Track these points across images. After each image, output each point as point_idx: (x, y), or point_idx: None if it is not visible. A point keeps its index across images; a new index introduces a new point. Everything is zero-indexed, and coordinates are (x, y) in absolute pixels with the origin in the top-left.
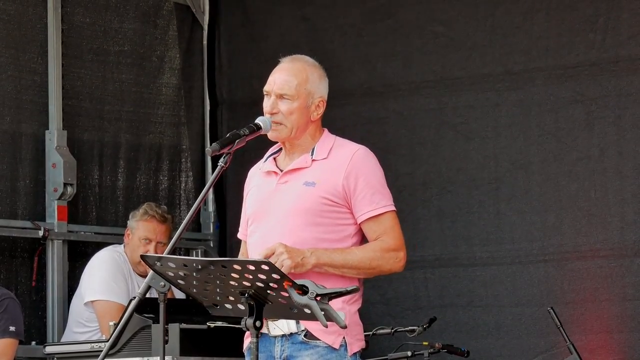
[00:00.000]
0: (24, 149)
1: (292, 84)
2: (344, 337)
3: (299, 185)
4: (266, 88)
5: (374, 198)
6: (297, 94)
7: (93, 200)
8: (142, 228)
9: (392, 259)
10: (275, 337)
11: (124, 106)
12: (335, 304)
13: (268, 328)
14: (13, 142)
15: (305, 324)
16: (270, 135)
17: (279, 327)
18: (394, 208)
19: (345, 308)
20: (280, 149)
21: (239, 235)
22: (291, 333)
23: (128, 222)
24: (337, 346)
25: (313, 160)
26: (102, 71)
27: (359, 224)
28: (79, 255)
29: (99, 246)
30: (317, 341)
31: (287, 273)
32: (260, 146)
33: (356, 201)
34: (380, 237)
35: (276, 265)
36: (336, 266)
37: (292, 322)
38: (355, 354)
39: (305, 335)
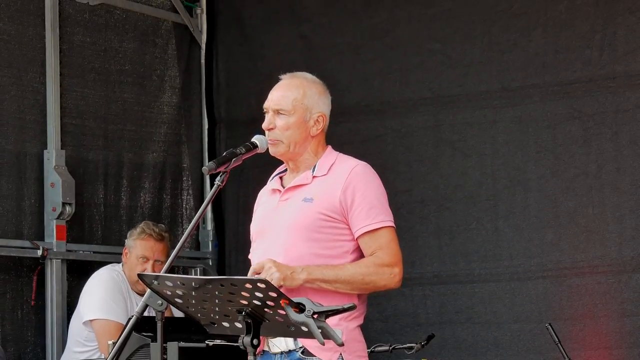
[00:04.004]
0: (28, 168)
1: (289, 99)
2: (340, 354)
3: (298, 201)
4: (264, 105)
5: (370, 213)
6: (294, 109)
7: (98, 219)
8: (139, 247)
9: (387, 274)
10: (275, 354)
11: (127, 125)
12: (332, 321)
13: (268, 345)
14: (17, 162)
15: (302, 341)
16: (271, 151)
17: (277, 344)
18: (391, 224)
19: (342, 325)
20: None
21: (250, 256)
22: (289, 350)
23: (126, 241)
24: None
25: (314, 176)
26: (104, 90)
27: (356, 239)
28: (82, 273)
29: (102, 265)
30: (314, 357)
31: (276, 286)
32: (258, 165)
33: (353, 216)
34: (375, 252)
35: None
36: (328, 281)
37: (290, 340)
38: None
39: (302, 352)
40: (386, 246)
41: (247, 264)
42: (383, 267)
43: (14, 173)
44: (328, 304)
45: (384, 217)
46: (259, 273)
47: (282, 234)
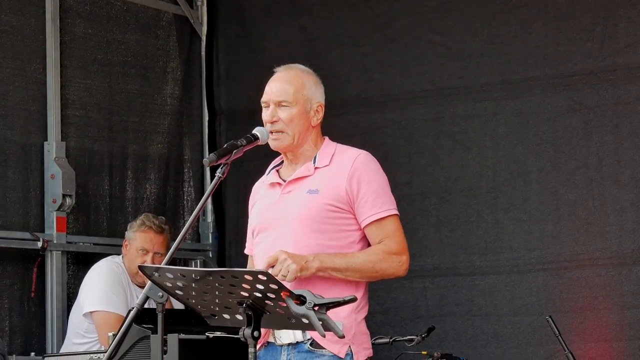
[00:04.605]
0: (34, 159)
1: (290, 91)
2: (349, 346)
3: (303, 193)
4: (264, 99)
5: (376, 202)
6: (295, 100)
7: (104, 210)
8: (139, 239)
9: (395, 262)
10: (281, 345)
11: (131, 117)
12: (343, 312)
13: (274, 337)
14: (23, 153)
15: (311, 333)
16: (273, 145)
17: (284, 336)
18: (396, 212)
19: (352, 317)
20: (283, 161)
21: (246, 251)
22: (297, 342)
23: (126, 233)
24: (342, 355)
25: (315, 168)
26: (108, 82)
27: (363, 229)
28: (85, 265)
29: (104, 256)
30: (323, 350)
31: (293, 278)
32: (258, 157)
33: (359, 205)
34: (382, 240)
35: (281, 271)
36: (339, 269)
37: (298, 331)
38: None
39: (311, 344)
40: (393, 234)
41: (246, 257)
42: (392, 255)
43: (20, 164)
44: (337, 294)
45: (390, 206)
46: (273, 266)
47: (289, 226)
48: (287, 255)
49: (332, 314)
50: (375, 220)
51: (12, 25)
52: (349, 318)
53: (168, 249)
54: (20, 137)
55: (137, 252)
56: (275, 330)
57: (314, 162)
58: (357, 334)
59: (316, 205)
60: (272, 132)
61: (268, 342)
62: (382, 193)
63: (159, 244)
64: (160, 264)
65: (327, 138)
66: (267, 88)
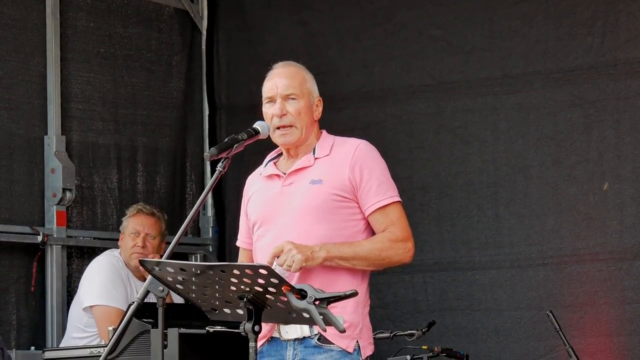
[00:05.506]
0: (38, 153)
1: (295, 84)
2: (357, 341)
3: (306, 184)
4: (268, 94)
5: (379, 189)
6: (302, 93)
7: (113, 203)
8: (131, 223)
9: (401, 249)
10: (287, 340)
11: (138, 110)
12: (351, 307)
13: (279, 332)
14: (28, 147)
15: (318, 328)
16: (282, 141)
17: (291, 331)
18: (399, 199)
19: (359, 311)
20: (279, 154)
21: (238, 243)
22: (304, 337)
23: (120, 226)
24: (351, 350)
25: (316, 158)
26: (112, 75)
27: (367, 217)
28: (92, 258)
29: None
30: (331, 345)
31: (298, 268)
32: (258, 151)
33: (362, 193)
34: (387, 228)
35: (287, 261)
36: (346, 258)
37: (305, 326)
38: (367, 357)
39: (319, 339)
40: (397, 221)
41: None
42: (397, 242)
43: (25, 158)
44: (342, 286)
45: (393, 193)
46: (279, 256)
47: (294, 217)
48: (293, 245)
49: (340, 310)
50: (379, 208)
51: (14, 18)
52: (356, 313)
53: (162, 234)
54: (25, 131)
55: (129, 236)
56: (282, 325)
57: (314, 153)
58: (364, 329)
59: (321, 195)
60: (279, 128)
61: (272, 337)
62: (384, 180)
63: (150, 225)
64: (151, 246)
65: (324, 131)
66: (269, 84)
